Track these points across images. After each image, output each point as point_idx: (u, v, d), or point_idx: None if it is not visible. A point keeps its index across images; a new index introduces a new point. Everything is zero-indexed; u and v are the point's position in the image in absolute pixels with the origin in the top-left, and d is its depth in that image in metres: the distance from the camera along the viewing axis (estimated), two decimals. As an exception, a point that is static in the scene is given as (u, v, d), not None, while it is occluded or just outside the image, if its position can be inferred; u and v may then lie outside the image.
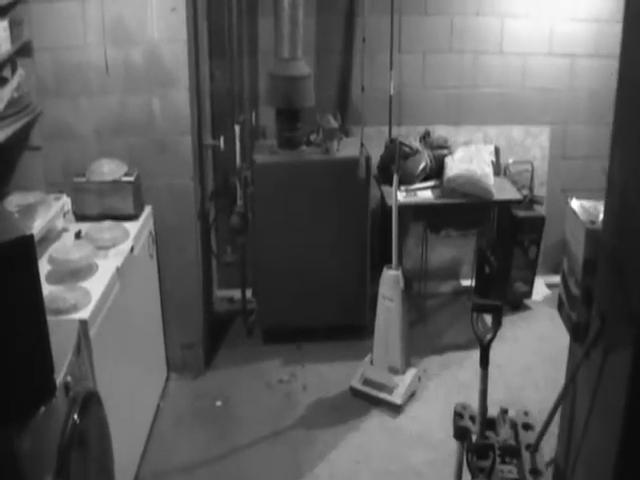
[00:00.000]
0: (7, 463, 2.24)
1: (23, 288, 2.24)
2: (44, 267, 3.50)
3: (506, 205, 5.36)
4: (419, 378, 4.77)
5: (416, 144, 5.36)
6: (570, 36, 5.48)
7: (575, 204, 3.46)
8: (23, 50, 3.98)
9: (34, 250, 2.27)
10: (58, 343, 2.46)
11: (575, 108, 5.67)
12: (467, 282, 5.88)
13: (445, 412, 4.08)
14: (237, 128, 4.96)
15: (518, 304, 5.69)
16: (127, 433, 3.73)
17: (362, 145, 4.96)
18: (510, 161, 5.68)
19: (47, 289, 3.20)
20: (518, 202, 5.36)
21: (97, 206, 4.19)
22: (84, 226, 4.01)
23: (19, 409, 2.26)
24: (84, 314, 3.18)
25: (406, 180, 5.14)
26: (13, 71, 3.89)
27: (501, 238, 5.45)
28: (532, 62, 5.55)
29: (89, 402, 2.78)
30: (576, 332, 3.21)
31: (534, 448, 3.07)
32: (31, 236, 2.26)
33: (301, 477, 4.06)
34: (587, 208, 3.41)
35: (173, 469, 4.12)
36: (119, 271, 3.67)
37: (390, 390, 4.58)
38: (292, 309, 5.11)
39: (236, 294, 5.52)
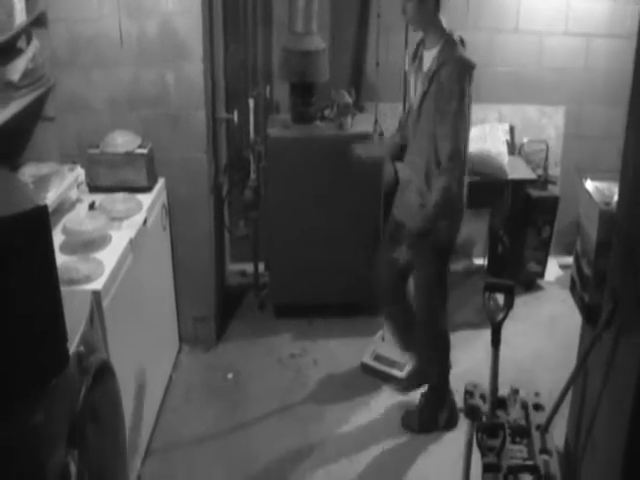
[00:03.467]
0: (21, 433, 2.25)
1: (37, 258, 2.24)
2: (58, 237, 3.50)
3: (520, 184, 5.34)
4: (430, 356, 4.77)
5: (430, 121, 5.34)
6: (586, 15, 5.44)
7: (589, 185, 3.45)
8: (38, 21, 3.96)
9: (48, 221, 2.27)
10: (71, 313, 2.46)
11: (590, 88, 5.63)
12: (480, 261, 5.86)
13: (455, 390, 4.10)
14: (251, 102, 4.94)
15: (531, 284, 5.67)
16: (139, 404, 3.76)
17: (376, 121, 4.94)
18: (525, 140, 5.65)
19: (61, 259, 3.22)
20: (532, 181, 5.35)
21: (111, 177, 4.19)
22: (98, 197, 4.02)
23: (32, 379, 2.27)
24: (97, 285, 3.20)
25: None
26: (28, 42, 3.87)
27: (514, 217, 5.43)
28: (548, 41, 5.51)
29: (102, 373, 2.79)
30: (588, 314, 3.21)
31: (544, 428, 3.07)
32: (45, 207, 2.26)
33: (310, 452, 4.08)
34: (601, 189, 3.40)
35: (184, 441, 4.15)
36: (132, 243, 3.68)
37: (401, 366, 4.58)
38: (304, 284, 5.11)
39: (248, 268, 5.52)
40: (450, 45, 3.71)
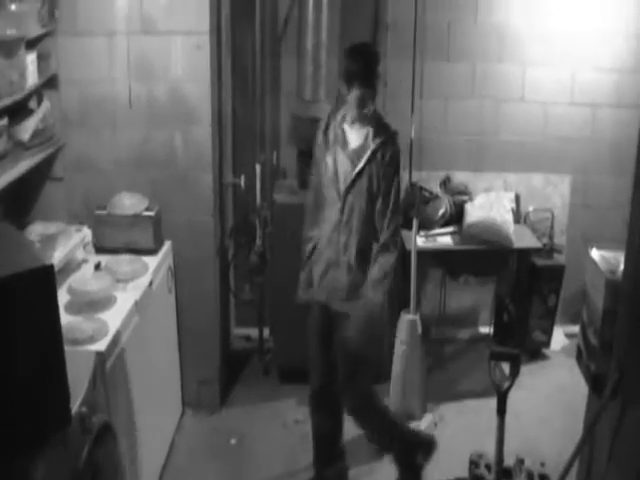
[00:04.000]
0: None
1: (42, 317, 2.24)
2: (63, 297, 3.50)
3: (526, 253, 5.34)
4: (435, 424, 4.73)
5: (436, 189, 5.37)
6: (592, 85, 5.49)
7: (595, 254, 3.45)
8: (49, 82, 4.03)
9: (54, 280, 2.28)
10: (75, 373, 2.46)
11: (596, 158, 5.66)
12: (485, 329, 5.84)
13: (461, 459, 4.03)
14: (258, 167, 4.98)
15: (536, 353, 5.64)
16: (141, 467, 3.71)
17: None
18: (530, 209, 5.66)
19: (65, 319, 3.20)
20: (538, 250, 5.35)
21: (117, 239, 4.20)
22: (104, 258, 4.03)
23: (34, 437, 2.25)
24: (101, 346, 3.18)
25: (426, 225, 5.14)
26: (39, 103, 3.93)
27: (520, 286, 5.42)
28: (553, 110, 5.55)
29: (104, 434, 2.77)
30: (595, 383, 3.18)
31: (550, 499, 3.03)
32: (51, 266, 2.27)
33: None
34: (607, 258, 3.39)
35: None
36: (137, 304, 3.67)
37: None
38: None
39: (253, 332, 5.50)
40: (383, 121, 3.80)
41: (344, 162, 3.72)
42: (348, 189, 3.70)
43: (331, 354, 3.94)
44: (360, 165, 3.66)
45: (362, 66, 3.63)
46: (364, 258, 3.76)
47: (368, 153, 3.66)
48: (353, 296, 3.79)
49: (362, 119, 3.72)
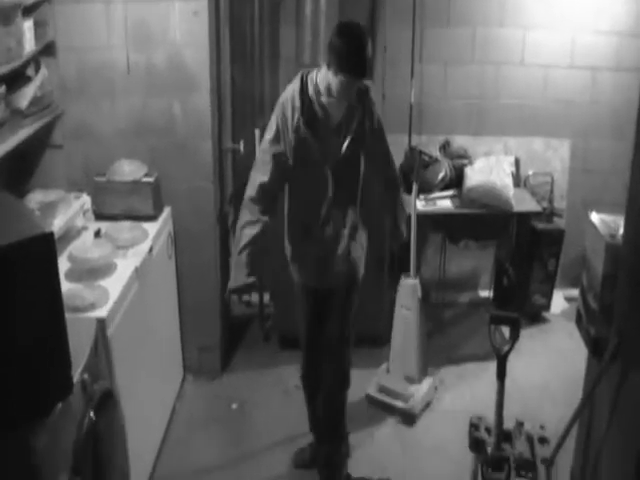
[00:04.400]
0: (23, 459, 2.25)
1: (43, 285, 2.25)
2: (64, 265, 3.51)
3: (525, 217, 5.34)
4: (435, 388, 4.76)
5: (436, 153, 5.36)
6: (592, 49, 5.47)
7: (595, 218, 3.45)
8: (47, 50, 4.01)
9: (54, 247, 2.28)
10: (76, 341, 2.47)
11: (596, 121, 5.65)
12: (485, 293, 5.86)
13: (461, 423, 4.05)
14: (257, 132, 4.96)
15: (536, 317, 5.66)
16: (142, 433, 3.73)
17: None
18: (530, 173, 5.66)
19: (66, 287, 3.21)
20: (538, 214, 5.35)
21: (117, 206, 4.20)
22: (104, 225, 4.03)
23: (36, 405, 2.27)
24: (102, 313, 3.20)
25: (425, 189, 5.14)
26: (37, 70, 3.91)
27: (520, 250, 5.43)
28: (553, 74, 5.54)
29: (106, 400, 2.78)
30: (594, 347, 3.19)
31: (549, 462, 3.04)
32: (51, 233, 2.27)
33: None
34: (607, 222, 3.39)
35: (188, 471, 4.12)
36: (138, 271, 3.68)
37: (406, 399, 4.56)
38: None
39: (253, 298, 5.51)
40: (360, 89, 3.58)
41: (332, 137, 3.56)
42: (339, 164, 3.57)
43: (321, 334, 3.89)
44: (349, 137, 3.54)
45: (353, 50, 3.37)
46: (357, 228, 3.74)
47: (354, 124, 3.54)
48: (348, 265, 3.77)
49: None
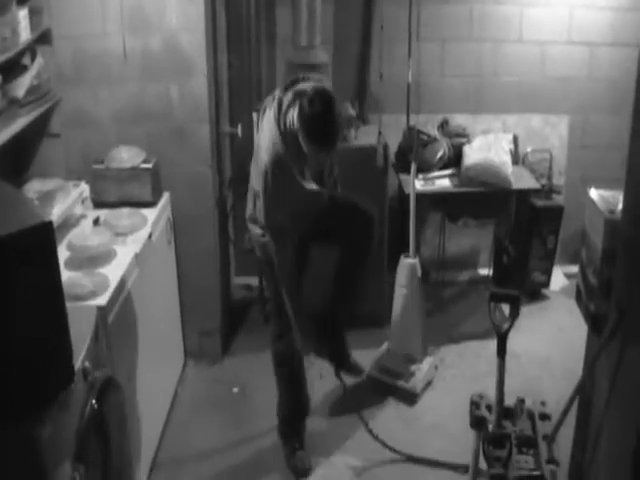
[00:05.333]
0: (27, 449, 2.26)
1: (42, 274, 2.25)
2: (63, 253, 3.52)
3: (524, 194, 5.35)
4: (436, 367, 4.77)
5: (434, 132, 5.35)
6: (589, 24, 5.45)
7: (594, 193, 3.44)
8: (42, 38, 3.99)
9: (53, 236, 2.28)
10: (77, 329, 2.48)
11: (594, 97, 5.64)
12: (485, 271, 5.86)
13: (462, 401, 4.06)
14: (255, 116, 4.95)
15: (536, 294, 5.67)
16: (145, 419, 3.75)
17: (380, 133, 4.95)
18: (529, 150, 5.65)
19: (66, 275, 3.22)
20: (536, 191, 5.35)
21: (115, 193, 4.20)
22: (102, 213, 4.04)
23: (38, 395, 2.28)
24: (102, 300, 3.20)
25: (424, 168, 5.14)
26: (33, 59, 3.89)
27: (519, 227, 5.43)
28: (551, 50, 5.52)
29: (107, 387, 2.80)
30: (594, 323, 3.20)
31: (551, 438, 3.06)
32: (50, 222, 2.27)
33: (316, 464, 4.08)
34: (606, 198, 3.38)
35: (190, 455, 4.15)
36: (137, 257, 3.69)
37: (407, 378, 4.58)
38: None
39: (253, 281, 5.52)
40: None
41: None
42: None
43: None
44: None
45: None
46: None
47: None
48: None
49: None
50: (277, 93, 3.64)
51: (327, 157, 3.66)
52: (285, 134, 3.52)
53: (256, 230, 3.79)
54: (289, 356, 4.04)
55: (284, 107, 3.54)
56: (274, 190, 3.55)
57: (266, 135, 3.57)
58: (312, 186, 3.71)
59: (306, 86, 3.57)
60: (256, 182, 3.69)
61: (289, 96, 3.56)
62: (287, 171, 3.57)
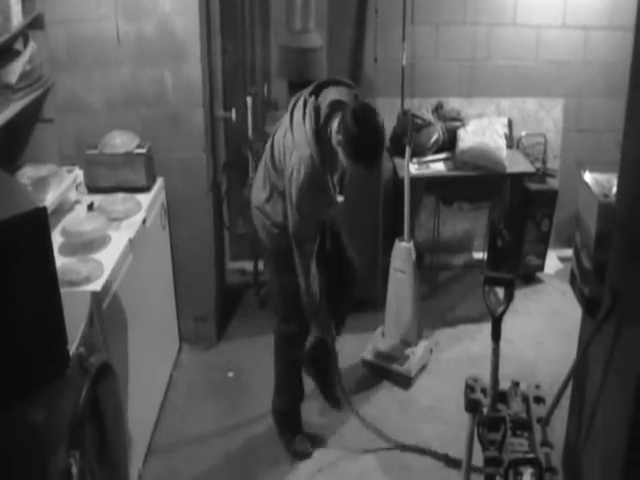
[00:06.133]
0: (22, 434, 2.26)
1: (36, 260, 2.25)
2: (57, 239, 3.52)
3: (519, 178, 5.35)
4: (430, 350, 4.79)
5: (429, 116, 5.35)
6: (584, 8, 5.44)
7: (588, 177, 3.45)
8: (35, 23, 3.96)
9: (47, 222, 2.28)
10: (71, 315, 2.47)
11: (589, 81, 5.64)
12: (479, 255, 5.87)
13: (456, 385, 4.07)
14: (249, 100, 4.94)
15: (530, 277, 5.69)
16: (140, 404, 3.76)
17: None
18: (523, 134, 5.66)
19: (60, 261, 3.22)
20: (531, 175, 5.36)
21: (109, 178, 4.20)
22: (97, 198, 4.03)
23: (33, 380, 2.28)
24: (96, 286, 3.20)
25: (418, 152, 5.14)
26: (25, 44, 3.88)
27: (514, 211, 5.43)
28: (546, 34, 5.51)
29: (102, 373, 2.80)
30: (588, 306, 3.21)
31: (545, 421, 3.07)
32: (44, 208, 2.26)
33: (312, 449, 4.09)
34: (600, 181, 3.39)
35: (186, 439, 4.16)
36: (132, 243, 3.69)
37: (402, 362, 4.59)
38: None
39: (248, 266, 5.53)
40: None
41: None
42: None
43: None
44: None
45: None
46: None
47: None
48: None
49: None
50: (305, 96, 3.52)
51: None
52: (322, 147, 3.43)
53: (266, 221, 3.73)
54: (298, 338, 3.96)
55: (322, 119, 3.44)
56: (308, 205, 3.48)
57: (300, 143, 3.43)
58: (338, 198, 3.67)
59: (341, 95, 3.50)
60: (279, 180, 3.60)
61: (325, 106, 3.46)
62: (321, 185, 3.50)
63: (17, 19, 3.63)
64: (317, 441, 4.15)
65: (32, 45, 3.84)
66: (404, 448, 4.07)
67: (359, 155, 3.37)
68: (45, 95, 4.03)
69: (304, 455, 4.07)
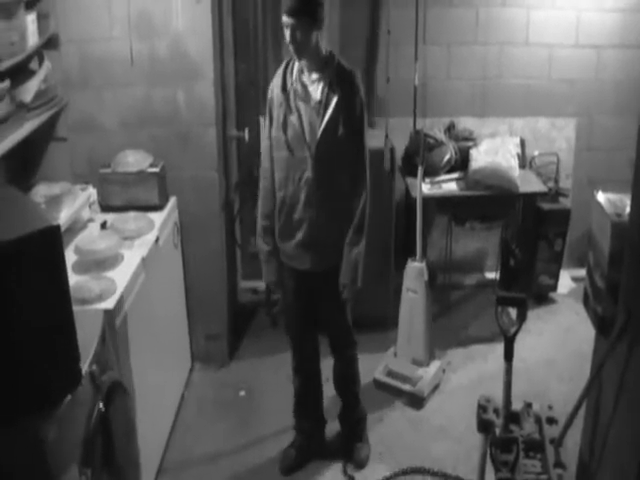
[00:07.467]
0: (33, 451, 2.26)
1: (50, 278, 2.26)
2: (70, 257, 3.53)
3: (531, 197, 5.35)
4: (443, 370, 4.77)
5: (441, 136, 5.35)
6: (596, 27, 5.45)
7: (601, 197, 3.44)
8: (50, 43, 4.02)
9: (60, 240, 2.29)
10: (84, 332, 2.48)
11: (601, 99, 5.64)
12: (492, 275, 5.85)
13: (469, 405, 4.06)
14: (261, 120, 4.95)
15: (543, 297, 5.67)
16: (152, 422, 3.76)
17: (387, 136, 4.94)
18: (536, 153, 5.65)
19: (73, 279, 3.23)
20: (543, 194, 5.35)
21: (122, 197, 4.22)
22: (110, 217, 4.05)
23: (45, 397, 2.28)
24: (109, 304, 3.21)
25: (431, 172, 5.14)
26: (40, 63, 3.92)
27: (526, 230, 5.43)
28: (558, 53, 5.52)
29: (114, 391, 2.80)
30: (602, 326, 3.19)
31: (558, 442, 3.05)
32: (58, 226, 2.28)
33: (324, 468, 4.07)
34: (613, 201, 3.38)
35: (197, 458, 4.15)
36: (144, 261, 3.70)
37: (414, 382, 4.57)
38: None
39: (260, 285, 5.51)
40: (342, 65, 3.55)
41: (312, 117, 3.52)
42: (319, 144, 3.51)
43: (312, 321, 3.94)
44: (327, 117, 3.48)
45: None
46: (344, 207, 3.64)
47: (333, 104, 3.48)
48: (337, 248, 3.68)
49: (320, 66, 3.52)
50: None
51: (305, 38, 3.39)
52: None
53: None
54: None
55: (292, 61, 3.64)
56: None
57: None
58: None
59: None
60: None
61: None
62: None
63: (33, 39, 3.69)
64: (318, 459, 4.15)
65: (47, 64, 3.89)
66: (415, 471, 4.05)
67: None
68: (59, 114, 4.07)
69: (280, 468, 4.07)
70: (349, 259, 3.63)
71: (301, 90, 3.55)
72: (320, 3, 3.41)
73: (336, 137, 3.52)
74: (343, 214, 3.62)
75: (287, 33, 3.38)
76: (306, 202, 3.60)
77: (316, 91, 3.53)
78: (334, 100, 3.48)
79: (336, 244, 3.65)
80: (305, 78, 3.55)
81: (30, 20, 3.66)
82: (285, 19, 3.35)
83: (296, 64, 3.55)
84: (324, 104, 3.49)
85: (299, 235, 3.68)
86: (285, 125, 3.56)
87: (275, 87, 3.61)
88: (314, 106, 3.53)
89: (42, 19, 3.85)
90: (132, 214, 4.06)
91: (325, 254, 3.69)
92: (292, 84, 3.56)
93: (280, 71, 3.61)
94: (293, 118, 3.53)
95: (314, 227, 3.63)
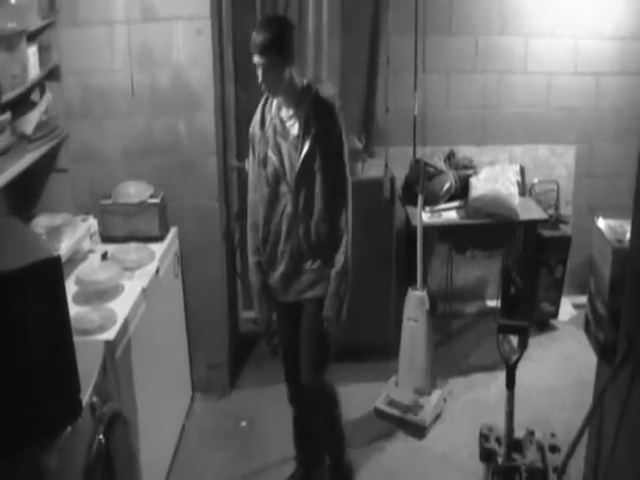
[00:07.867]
0: (34, 477, 2.25)
1: (50, 308, 2.26)
2: (71, 288, 3.53)
3: (532, 225, 5.34)
4: (444, 399, 4.75)
5: (441, 164, 5.37)
6: (595, 54, 5.48)
7: (602, 223, 3.44)
8: (51, 74, 4.03)
9: (61, 271, 2.29)
10: (84, 363, 2.48)
11: (601, 126, 5.66)
12: (493, 303, 5.85)
13: (471, 434, 4.04)
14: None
15: (544, 324, 5.65)
16: (152, 453, 3.74)
17: (387, 166, 4.96)
18: (535, 180, 5.66)
19: (74, 310, 3.22)
20: (544, 222, 5.35)
21: (123, 228, 4.23)
22: (110, 247, 4.05)
23: (46, 428, 2.28)
24: (110, 335, 3.21)
25: (431, 200, 5.14)
26: (41, 95, 3.94)
27: (527, 258, 5.42)
28: (557, 81, 5.55)
29: (115, 422, 2.79)
30: (603, 353, 3.19)
31: (561, 470, 3.04)
32: (58, 257, 2.28)
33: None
34: (614, 227, 3.39)
35: (198, 489, 4.13)
36: (145, 292, 3.70)
37: (415, 411, 4.55)
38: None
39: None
40: (319, 97, 3.54)
41: (291, 152, 3.52)
42: (298, 180, 3.50)
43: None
44: (304, 152, 3.47)
45: (277, 35, 3.37)
46: (325, 239, 3.60)
47: (310, 139, 3.46)
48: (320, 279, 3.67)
49: (296, 101, 3.51)
50: None
51: (275, 77, 3.40)
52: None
53: None
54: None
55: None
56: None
57: None
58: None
59: None
60: None
61: None
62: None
63: (34, 71, 3.71)
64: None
65: (48, 96, 3.90)
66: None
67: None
68: (60, 145, 4.08)
69: None
70: (333, 291, 3.62)
71: (280, 126, 3.55)
72: (289, 38, 3.42)
73: (314, 171, 3.50)
74: (324, 247, 3.61)
75: (259, 72, 3.39)
76: (287, 234, 3.60)
77: (293, 126, 3.53)
78: (311, 134, 3.47)
79: (318, 275, 3.65)
80: (283, 114, 3.56)
81: (32, 52, 3.68)
82: (256, 59, 3.37)
83: (275, 100, 3.57)
84: (302, 139, 3.48)
85: (281, 267, 3.68)
86: (265, 161, 3.57)
87: (255, 124, 3.63)
88: (292, 141, 3.52)
89: (44, 51, 3.87)
90: (133, 245, 4.07)
91: (307, 285, 3.68)
92: (271, 120, 3.56)
93: (259, 107, 3.63)
94: (273, 154, 3.54)
95: (295, 258, 3.63)
